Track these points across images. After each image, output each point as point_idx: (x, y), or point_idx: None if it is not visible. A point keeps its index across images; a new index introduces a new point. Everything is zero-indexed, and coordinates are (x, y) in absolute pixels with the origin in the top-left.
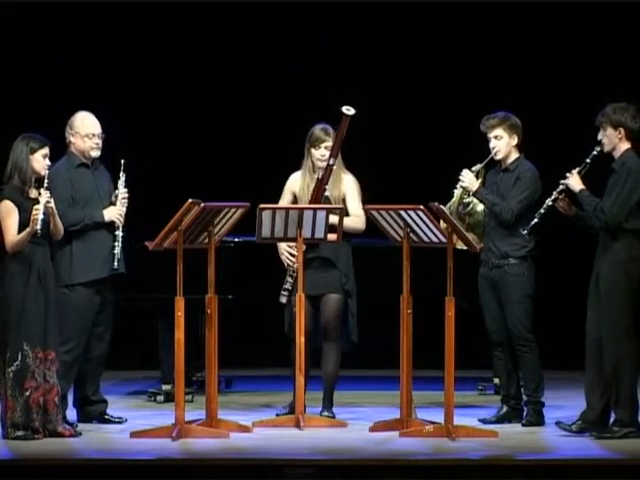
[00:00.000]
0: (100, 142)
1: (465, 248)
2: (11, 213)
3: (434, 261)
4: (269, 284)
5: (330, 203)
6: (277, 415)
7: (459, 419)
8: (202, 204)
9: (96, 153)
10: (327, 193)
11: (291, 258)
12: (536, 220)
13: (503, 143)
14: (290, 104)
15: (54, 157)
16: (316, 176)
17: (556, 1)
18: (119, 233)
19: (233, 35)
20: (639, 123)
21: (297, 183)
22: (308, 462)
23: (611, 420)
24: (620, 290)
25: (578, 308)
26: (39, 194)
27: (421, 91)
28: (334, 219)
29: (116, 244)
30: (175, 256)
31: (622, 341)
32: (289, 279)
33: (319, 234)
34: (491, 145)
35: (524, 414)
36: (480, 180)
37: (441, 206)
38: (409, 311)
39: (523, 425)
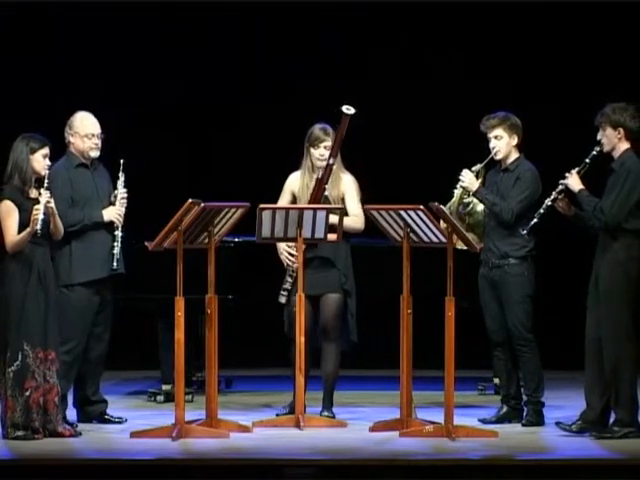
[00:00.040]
0: (99, 142)
1: (465, 248)
2: (11, 213)
3: (434, 261)
4: (269, 284)
5: (329, 203)
6: (277, 415)
7: (459, 419)
8: (202, 204)
9: (95, 153)
10: (326, 193)
11: (290, 258)
12: (535, 220)
13: (503, 143)
14: (290, 104)
15: (54, 157)
16: (315, 176)
17: (556, 1)
18: (118, 233)
19: (233, 35)
20: (638, 123)
21: (296, 183)
22: (308, 462)
23: (611, 420)
24: (619, 290)
25: (578, 308)
26: (39, 194)
27: (421, 91)
28: (334, 219)
29: (115, 244)
30: (175, 256)
31: (622, 341)
32: (288, 279)
33: (319, 234)
34: (491, 145)
35: (524, 414)
36: (480, 180)
37: (441, 206)
38: (409, 311)
39: (523, 425)
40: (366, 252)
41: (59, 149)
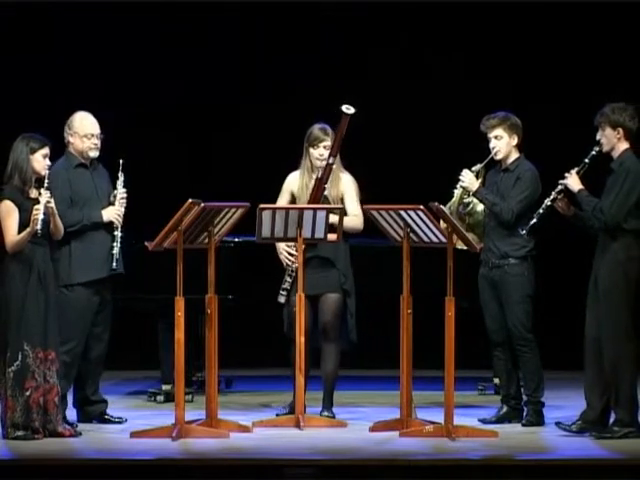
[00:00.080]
0: (99, 142)
1: (465, 248)
2: (11, 213)
3: (434, 261)
4: (269, 284)
5: (328, 203)
6: (277, 415)
7: (459, 419)
8: (202, 204)
9: (95, 153)
10: (326, 193)
11: (290, 258)
12: (535, 220)
13: (503, 143)
14: (290, 104)
15: (54, 157)
16: (315, 175)
17: (556, 1)
18: (118, 233)
19: (233, 35)
20: (637, 123)
21: (295, 183)
22: (308, 462)
23: (611, 420)
24: (619, 290)
25: (578, 308)
26: (39, 194)
27: (421, 91)
28: (334, 219)
29: (115, 244)
30: (175, 256)
31: (621, 341)
32: (288, 279)
33: (319, 234)
34: (491, 145)
35: (524, 414)
36: (480, 180)
37: (441, 206)
38: (409, 311)
39: (523, 425)
40: (366, 252)
41: (59, 149)
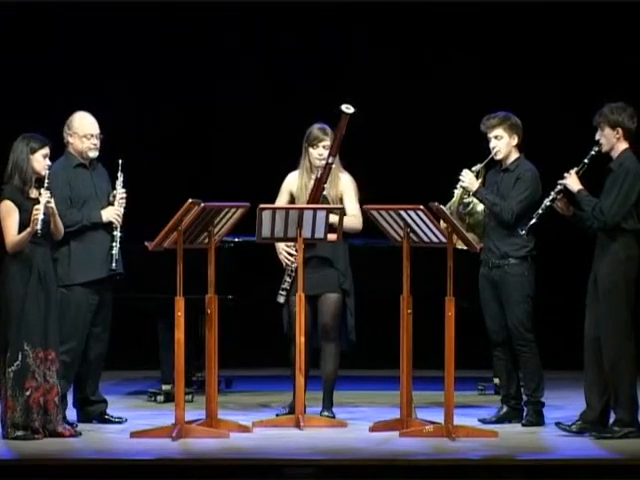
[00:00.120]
0: (98, 142)
1: (465, 248)
2: (11, 213)
3: (434, 261)
4: (269, 284)
5: (327, 202)
6: (277, 415)
7: (459, 419)
8: (202, 204)
9: (94, 153)
10: (325, 192)
11: (289, 258)
12: (534, 220)
13: (503, 143)
14: (290, 104)
15: (54, 157)
16: (314, 175)
17: (556, 1)
18: (117, 233)
19: (233, 35)
20: (636, 123)
21: (294, 183)
22: (308, 462)
23: (611, 420)
24: (618, 290)
25: (578, 308)
26: (39, 194)
27: (421, 91)
28: (333, 219)
29: (114, 244)
30: (175, 256)
31: (621, 341)
32: (287, 279)
33: (319, 234)
34: (491, 145)
35: (524, 414)
36: (480, 180)
37: (441, 206)
38: (409, 311)
39: (523, 425)
40: (366, 252)
41: (59, 149)
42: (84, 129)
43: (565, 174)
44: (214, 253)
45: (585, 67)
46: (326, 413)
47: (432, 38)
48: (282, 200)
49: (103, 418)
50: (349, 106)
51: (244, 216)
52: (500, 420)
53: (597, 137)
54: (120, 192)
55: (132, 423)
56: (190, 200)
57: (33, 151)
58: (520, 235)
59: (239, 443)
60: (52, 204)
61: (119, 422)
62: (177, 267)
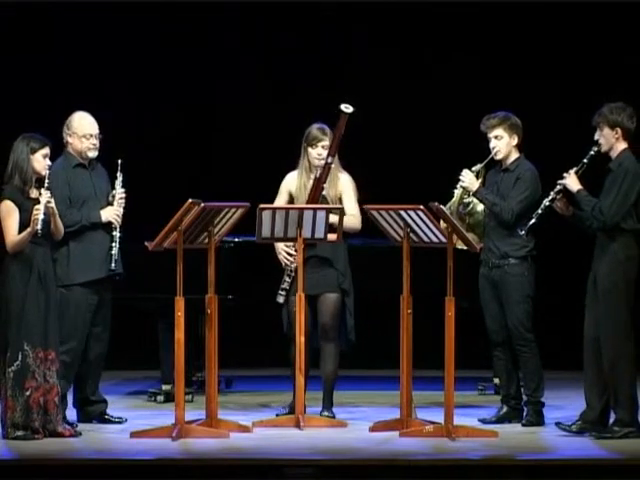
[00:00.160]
0: (97, 142)
1: (465, 248)
2: (12, 213)
3: (434, 261)
4: (269, 284)
5: (327, 202)
6: (277, 415)
7: (459, 419)
8: (202, 204)
9: (93, 153)
10: (324, 192)
11: (289, 258)
12: (534, 220)
13: (503, 143)
14: (290, 104)
15: (53, 157)
16: (313, 175)
17: (556, 1)
18: (116, 234)
19: (233, 35)
20: (636, 123)
21: (293, 183)
22: (308, 462)
23: (611, 420)
24: (618, 290)
25: (578, 308)
26: (40, 194)
27: (421, 91)
28: (333, 219)
29: (113, 244)
30: (175, 256)
31: (620, 340)
32: (286, 279)
33: (319, 234)
34: (491, 145)
35: (524, 414)
36: (480, 180)
37: (441, 206)
38: (409, 311)
39: (523, 425)
40: (366, 252)
41: (59, 149)
42: (83, 129)
43: (564, 174)
44: (214, 253)
45: (585, 67)
46: (326, 413)
47: (432, 38)
48: (281, 200)
49: (103, 418)
50: (348, 106)
51: (244, 216)
52: (500, 420)
53: (596, 137)
54: (119, 192)
55: (132, 423)
56: (190, 200)
57: (33, 151)
58: (520, 235)
59: (239, 443)
60: (52, 204)
61: (119, 422)
62: (177, 267)
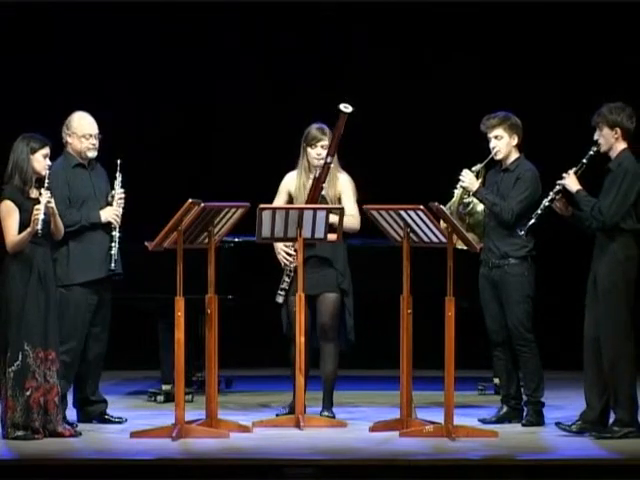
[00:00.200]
0: (97, 142)
1: (465, 248)
2: (12, 213)
3: (434, 261)
4: (269, 284)
5: (326, 202)
6: (277, 415)
7: (459, 419)
8: (202, 204)
9: (93, 154)
10: (323, 192)
11: (288, 258)
12: (533, 221)
13: (503, 143)
14: (290, 104)
15: (53, 157)
16: (312, 175)
17: (556, 1)
18: (116, 234)
19: (233, 35)
20: (635, 123)
21: (292, 183)
22: (308, 462)
23: (611, 420)
24: (617, 290)
25: (578, 308)
26: (40, 194)
27: (421, 91)
28: (333, 219)
29: (113, 245)
30: (175, 256)
31: (620, 340)
32: (286, 279)
33: (319, 234)
34: (491, 145)
35: (524, 414)
36: (480, 180)
37: (441, 206)
38: (409, 311)
39: (523, 425)
40: (366, 252)
41: (58, 149)
42: (83, 129)
43: (564, 174)
44: (214, 253)
45: (585, 67)
46: (326, 413)
47: (432, 38)
48: (280, 200)
49: (103, 418)
50: (347, 105)
51: (244, 216)
52: (500, 420)
53: (595, 137)
54: (119, 192)
55: (132, 423)
56: (190, 200)
57: (33, 151)
58: (520, 235)
59: (239, 443)
60: (52, 204)
61: (119, 422)
62: (177, 267)
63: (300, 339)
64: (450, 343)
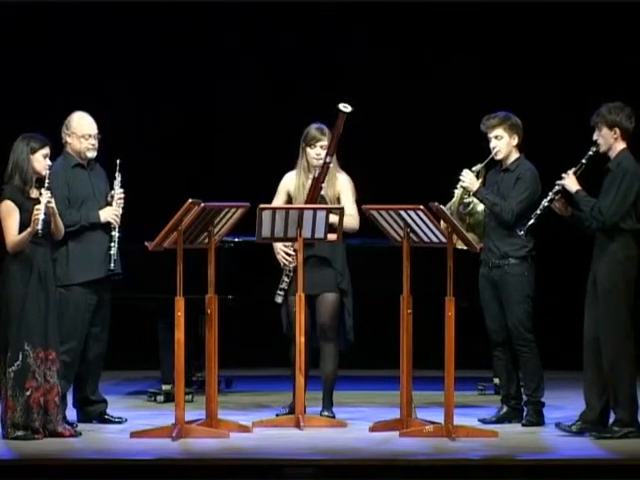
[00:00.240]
0: (96, 142)
1: (465, 248)
2: (12, 213)
3: (434, 261)
4: (269, 284)
5: (325, 202)
6: (277, 415)
7: (459, 419)
8: (202, 204)
9: (92, 154)
10: (322, 192)
11: (287, 258)
12: (532, 221)
13: (503, 143)
14: (290, 104)
15: (53, 157)
16: (311, 175)
17: (556, 1)
18: (115, 234)
19: (233, 35)
20: (634, 123)
21: (292, 183)
22: (308, 462)
23: (611, 420)
24: (617, 290)
25: (577, 308)
26: (40, 194)
27: (421, 91)
28: (333, 219)
29: (112, 245)
30: (175, 256)
31: (620, 341)
32: (285, 279)
33: (319, 234)
34: (491, 145)
35: (524, 414)
36: (480, 180)
37: (441, 206)
38: (409, 311)
39: (523, 425)
40: (366, 252)
41: (58, 149)
42: (82, 129)
43: (563, 174)
44: (214, 253)
45: (585, 67)
46: (326, 413)
47: (432, 38)
48: (279, 200)
49: (103, 418)
50: (346, 105)
51: (244, 216)
52: (500, 420)
53: (595, 137)
54: (118, 192)
55: (132, 423)
56: (190, 200)
57: (33, 151)
58: (519, 235)
59: (239, 443)
60: (53, 204)
61: (119, 422)
62: (177, 267)
63: (300, 339)
64: (450, 343)
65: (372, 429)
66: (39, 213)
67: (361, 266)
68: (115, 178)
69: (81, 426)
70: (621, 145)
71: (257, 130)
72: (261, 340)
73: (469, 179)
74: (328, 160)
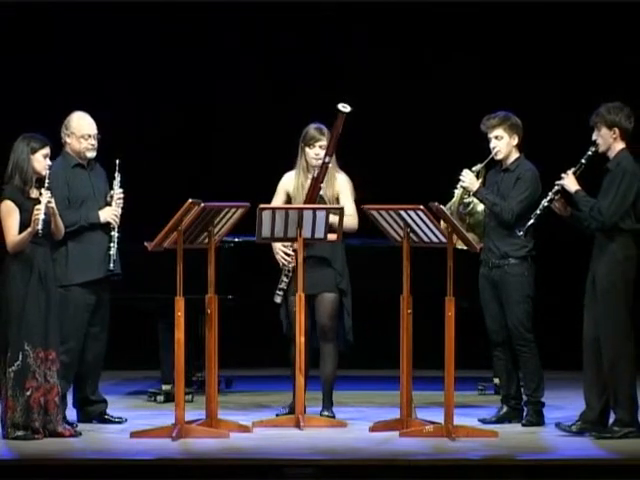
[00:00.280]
0: (96, 143)
1: (465, 248)
2: (12, 213)
3: (434, 261)
4: (269, 284)
5: (324, 202)
6: (277, 415)
7: (459, 419)
8: (202, 204)
9: (92, 154)
10: (321, 192)
11: (286, 258)
12: (532, 221)
13: (503, 143)
14: (290, 104)
15: (53, 157)
16: (310, 175)
17: (556, 1)
18: (115, 234)
19: (233, 35)
20: (633, 123)
21: (291, 183)
22: (308, 462)
23: (611, 420)
24: (617, 290)
25: (577, 308)
26: (40, 194)
27: (421, 91)
28: (332, 219)
29: (112, 245)
30: (175, 256)
31: (620, 341)
32: (284, 279)
33: (319, 234)
34: (491, 145)
35: (524, 414)
36: (480, 180)
37: (441, 206)
38: (409, 311)
39: (523, 425)
40: (366, 252)
41: (58, 149)
42: (82, 129)
43: (562, 175)
44: (214, 253)
45: (585, 67)
46: (326, 413)
47: (432, 38)
48: (278, 200)
49: (103, 418)
50: (346, 105)
51: (244, 216)
52: (500, 420)
53: (594, 137)
54: (117, 192)
55: (132, 423)
56: (190, 200)
57: (34, 151)
58: (519, 235)
59: (239, 443)
60: (53, 204)
61: (119, 422)
62: (177, 267)
63: (300, 339)
64: (450, 343)
65: (372, 429)
66: (39, 213)
67: (361, 266)
68: (115, 178)
69: (81, 426)
70: (620, 145)
71: (257, 130)
72: (261, 340)
73: (469, 179)
74: (327, 160)
